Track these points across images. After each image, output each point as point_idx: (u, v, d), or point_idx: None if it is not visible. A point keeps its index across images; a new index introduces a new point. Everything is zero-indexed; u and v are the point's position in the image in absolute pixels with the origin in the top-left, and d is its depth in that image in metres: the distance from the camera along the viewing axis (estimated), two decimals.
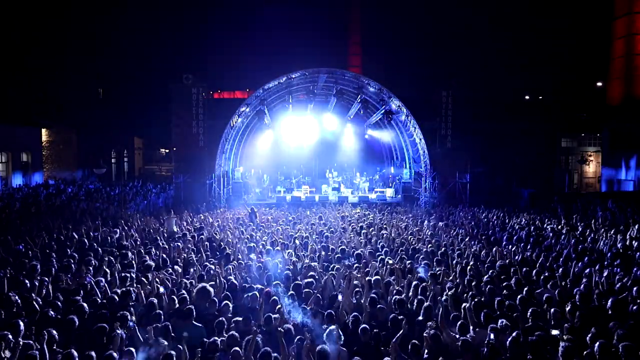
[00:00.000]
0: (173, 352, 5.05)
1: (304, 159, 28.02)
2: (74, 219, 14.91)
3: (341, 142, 27.64)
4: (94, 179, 30.25)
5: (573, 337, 5.46)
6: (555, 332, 5.86)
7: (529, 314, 6.21)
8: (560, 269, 8.70)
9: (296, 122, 25.18)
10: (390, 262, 9.24)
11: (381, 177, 28.89)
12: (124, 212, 16.58)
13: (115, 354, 5.00)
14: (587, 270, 8.42)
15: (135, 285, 7.53)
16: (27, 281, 7.38)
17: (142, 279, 7.82)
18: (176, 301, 6.91)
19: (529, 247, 11.27)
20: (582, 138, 36.31)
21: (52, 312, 6.25)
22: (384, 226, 14.50)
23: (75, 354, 4.87)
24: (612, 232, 12.16)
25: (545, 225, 14.51)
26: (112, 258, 9.14)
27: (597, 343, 4.99)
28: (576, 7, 40.42)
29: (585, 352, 5.14)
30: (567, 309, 6.40)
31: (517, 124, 32.45)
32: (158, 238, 11.97)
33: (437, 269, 8.77)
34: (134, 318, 6.09)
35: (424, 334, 5.58)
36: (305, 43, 43.42)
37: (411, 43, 46.96)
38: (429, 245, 11.12)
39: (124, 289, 7.03)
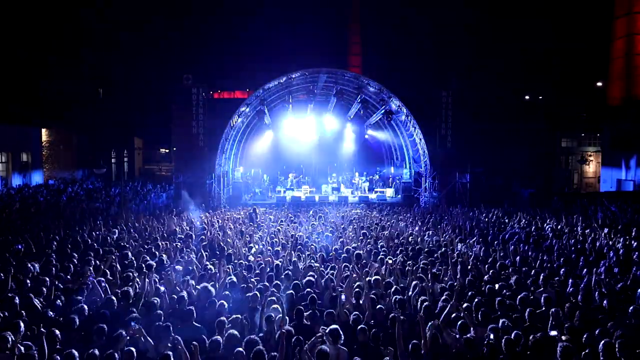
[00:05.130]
0: (170, 353, 5.04)
1: (304, 159, 28.03)
2: (74, 219, 14.91)
3: (341, 142, 27.64)
4: (94, 179, 30.25)
5: (572, 338, 5.46)
6: (553, 332, 5.86)
7: (528, 314, 6.22)
8: (561, 269, 8.71)
9: (296, 122, 25.20)
10: (390, 262, 9.25)
11: (381, 177, 28.92)
12: (124, 212, 16.59)
13: (116, 354, 5.00)
14: (587, 271, 8.42)
15: (135, 285, 7.53)
16: (27, 281, 7.39)
17: (143, 279, 7.82)
18: (176, 301, 6.91)
19: (529, 247, 11.27)
20: (582, 138, 36.31)
21: (52, 313, 6.26)
22: (384, 226, 14.51)
23: (76, 353, 4.87)
24: (611, 232, 12.16)
25: (545, 225, 14.50)
26: (112, 258, 9.13)
27: (602, 342, 4.98)
28: (576, 7, 40.39)
29: (584, 353, 5.14)
30: (567, 309, 6.40)
31: (517, 124, 32.41)
32: (158, 238, 11.97)
33: (437, 269, 8.77)
34: (134, 318, 6.08)
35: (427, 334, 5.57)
36: (305, 43, 43.35)
37: (411, 43, 46.89)
38: (429, 245, 11.13)
39: (124, 289, 7.03)
